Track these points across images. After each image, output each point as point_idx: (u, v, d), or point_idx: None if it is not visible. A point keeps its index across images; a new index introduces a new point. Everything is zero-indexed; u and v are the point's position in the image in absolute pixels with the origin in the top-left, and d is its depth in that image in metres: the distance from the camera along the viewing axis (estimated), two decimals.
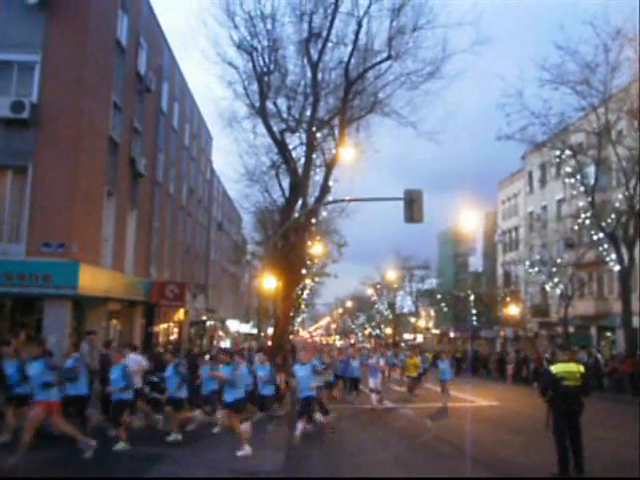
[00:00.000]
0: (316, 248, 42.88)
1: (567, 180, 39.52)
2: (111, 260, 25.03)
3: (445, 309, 76.97)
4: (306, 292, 67.73)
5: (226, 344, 51.05)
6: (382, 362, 27.33)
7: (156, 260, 33.11)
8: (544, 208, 57.82)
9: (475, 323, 67.45)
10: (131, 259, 28.27)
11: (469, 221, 60.49)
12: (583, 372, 12.05)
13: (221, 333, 58.35)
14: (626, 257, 33.86)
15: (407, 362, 30.57)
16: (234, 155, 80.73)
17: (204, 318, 47.95)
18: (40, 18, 21.31)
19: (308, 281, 59.53)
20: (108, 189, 24.57)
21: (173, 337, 38.54)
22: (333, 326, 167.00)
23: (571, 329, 46.98)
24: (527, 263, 51.63)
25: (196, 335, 45.78)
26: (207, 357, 19.75)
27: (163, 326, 35.84)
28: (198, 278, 46.66)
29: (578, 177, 36.42)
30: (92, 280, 21.59)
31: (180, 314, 38.73)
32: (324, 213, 38.94)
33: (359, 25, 29.09)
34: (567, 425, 11.75)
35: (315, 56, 29.86)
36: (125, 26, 26.32)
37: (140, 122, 28.72)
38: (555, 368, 12.22)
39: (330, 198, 32.96)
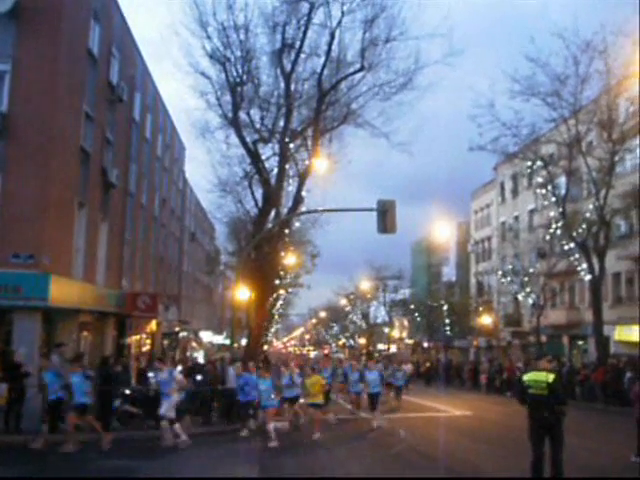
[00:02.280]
0: (289, 259, 42.85)
1: (538, 191, 39.90)
2: (82, 271, 24.75)
3: (419, 319, 77.17)
4: (279, 303, 67.62)
5: (199, 355, 50.72)
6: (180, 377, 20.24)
7: (128, 271, 32.82)
8: (516, 218, 58.29)
9: (448, 333, 67.73)
10: (102, 270, 27.99)
11: (442, 231, 60.87)
12: (550, 382, 11.91)
13: (194, 344, 57.98)
14: (597, 267, 34.19)
15: (306, 384, 20.96)
16: (207, 165, 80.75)
17: (177, 329, 47.62)
18: (10, 27, 21.06)
19: (281, 292, 59.43)
20: (79, 200, 24.30)
21: (145, 349, 38.20)
22: (307, 337, 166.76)
23: (543, 338, 47.27)
24: (500, 273, 51.97)
25: (169, 347, 45.43)
26: None
27: (135, 338, 35.50)
28: (171, 289, 46.35)
29: (549, 188, 36.77)
30: (63, 291, 21.31)
31: (152, 325, 38.42)
32: (297, 224, 38.92)
33: (332, 36, 29.22)
34: (539, 434, 11.77)
35: (288, 67, 29.91)
36: (97, 36, 26.11)
37: (112, 132, 28.50)
38: (526, 376, 12.27)
39: (303, 209, 32.97)
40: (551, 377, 11.95)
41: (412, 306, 78.93)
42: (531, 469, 11.68)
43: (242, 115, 30.91)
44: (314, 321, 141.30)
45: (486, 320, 58.86)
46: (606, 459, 14.92)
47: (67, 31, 22.63)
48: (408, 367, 36.73)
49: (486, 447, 17.71)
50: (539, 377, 11.97)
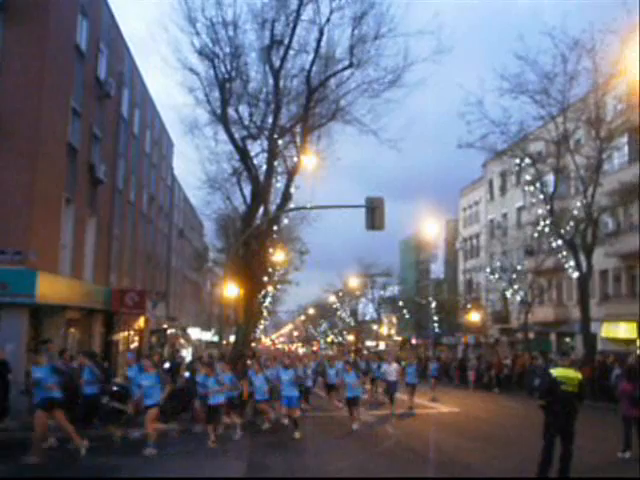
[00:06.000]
0: (278, 255, 42.83)
1: (527, 188, 40.00)
2: (69, 268, 24.65)
3: (407, 316, 77.28)
4: (268, 299, 67.63)
5: (187, 352, 50.63)
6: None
7: (116, 268, 32.72)
8: (504, 216, 58.51)
9: (437, 330, 67.87)
10: (90, 267, 27.89)
11: (431, 228, 61.11)
12: (581, 379, 12.22)
13: (182, 341, 57.87)
14: (584, 264, 34.30)
15: None
16: (195, 162, 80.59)
17: (165, 326, 47.52)
18: None
19: (270, 288, 59.41)
20: (66, 196, 24.20)
21: (133, 345, 38.08)
22: (295, 333, 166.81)
23: (531, 335, 47.53)
24: (488, 270, 52.16)
25: (157, 343, 45.34)
26: None
27: (123, 334, 35.39)
28: (159, 285, 46.23)
29: (537, 185, 36.87)
30: (50, 288, 21.22)
31: (140, 322, 38.32)
32: (286, 220, 38.89)
33: (321, 33, 29.14)
34: (561, 429, 11.87)
35: (277, 63, 29.83)
36: (85, 31, 25.98)
37: (100, 128, 28.38)
38: (555, 372, 12.31)
39: (292, 205, 32.93)
40: (580, 375, 12.23)
41: (400, 303, 79.03)
42: (542, 468, 11.72)
43: (231, 111, 30.82)
44: (303, 318, 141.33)
45: (474, 317, 59.08)
46: (593, 455, 14.96)
47: (54, 26, 22.51)
48: (394, 366, 27.36)
49: (475, 444, 17.73)
50: (570, 374, 12.14)
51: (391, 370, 26.64)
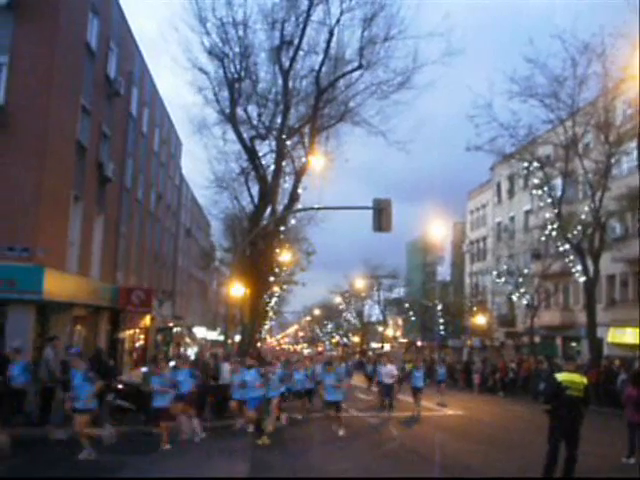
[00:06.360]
0: (284, 256, 42.87)
1: (535, 192, 39.91)
2: (77, 265, 24.70)
3: (413, 318, 77.23)
4: (274, 300, 67.63)
5: (193, 351, 50.68)
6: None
7: (123, 266, 32.76)
8: (512, 219, 58.40)
9: (442, 332, 67.80)
10: (97, 264, 27.94)
11: (438, 231, 61.13)
12: (586, 384, 12.23)
13: (188, 340, 57.92)
14: (591, 269, 34.20)
15: None
16: (203, 161, 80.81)
17: (171, 325, 47.57)
18: (8, 19, 20.96)
19: (276, 289, 59.45)
20: (75, 193, 24.25)
21: (139, 344, 38.15)
22: (301, 334, 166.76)
23: (537, 339, 47.43)
24: (494, 273, 52.04)
25: (162, 342, 45.39)
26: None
27: (129, 332, 35.44)
28: (165, 284, 46.29)
29: (545, 189, 36.76)
30: (57, 285, 21.26)
31: (146, 320, 38.34)
32: (293, 221, 38.97)
33: (331, 34, 29.23)
34: (566, 434, 11.87)
35: (286, 64, 29.93)
36: (95, 29, 26.03)
37: (109, 126, 28.42)
38: (560, 376, 12.31)
39: (299, 206, 32.99)
40: (585, 379, 12.26)
41: (406, 305, 79.00)
42: (545, 470, 11.75)
43: (239, 111, 30.96)
44: (308, 319, 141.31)
45: (480, 320, 58.97)
46: (598, 460, 14.92)
47: (65, 24, 22.56)
48: (389, 367, 26.49)
49: (478, 447, 17.69)
50: (575, 379, 12.16)
51: (387, 372, 26.09)
